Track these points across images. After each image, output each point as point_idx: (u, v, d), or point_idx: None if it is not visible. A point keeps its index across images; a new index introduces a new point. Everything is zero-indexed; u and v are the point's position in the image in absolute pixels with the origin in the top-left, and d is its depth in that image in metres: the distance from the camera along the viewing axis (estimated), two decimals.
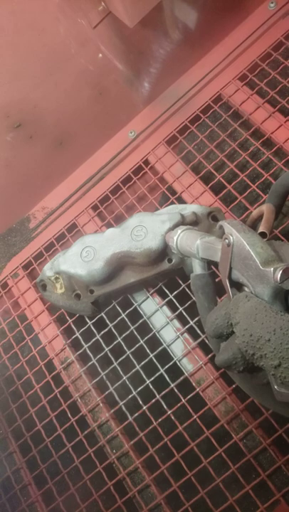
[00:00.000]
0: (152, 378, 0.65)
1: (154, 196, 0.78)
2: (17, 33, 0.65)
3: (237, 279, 0.39)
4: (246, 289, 0.38)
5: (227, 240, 0.39)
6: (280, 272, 0.34)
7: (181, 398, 0.63)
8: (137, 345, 0.68)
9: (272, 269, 0.34)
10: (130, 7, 0.64)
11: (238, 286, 0.40)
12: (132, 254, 0.63)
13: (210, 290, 0.49)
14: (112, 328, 0.70)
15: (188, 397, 0.63)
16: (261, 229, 0.58)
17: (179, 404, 0.63)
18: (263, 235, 0.59)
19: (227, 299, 0.40)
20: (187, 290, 0.68)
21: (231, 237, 0.38)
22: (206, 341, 0.64)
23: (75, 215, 0.84)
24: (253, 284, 0.36)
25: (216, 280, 0.50)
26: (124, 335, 0.69)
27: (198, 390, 0.63)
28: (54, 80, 0.73)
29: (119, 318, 0.71)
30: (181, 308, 0.67)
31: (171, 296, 0.69)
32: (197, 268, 0.50)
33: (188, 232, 0.52)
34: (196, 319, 0.66)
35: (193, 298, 0.66)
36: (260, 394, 0.45)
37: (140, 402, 0.65)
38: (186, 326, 0.67)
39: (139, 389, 0.66)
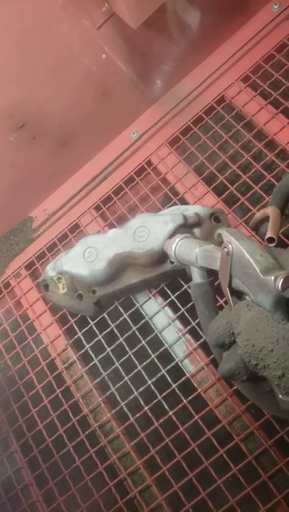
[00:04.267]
0: (154, 379, 0.65)
1: (156, 197, 0.78)
2: (23, 33, 0.65)
3: (238, 287, 0.38)
4: (247, 297, 0.37)
5: (226, 249, 0.38)
6: (281, 280, 0.33)
7: (183, 399, 0.63)
8: (139, 346, 0.68)
9: (272, 277, 0.33)
10: (134, 8, 0.64)
11: (238, 294, 0.39)
12: (134, 255, 0.63)
13: (210, 298, 0.48)
14: (114, 328, 0.70)
15: (190, 398, 0.63)
16: (269, 234, 0.58)
17: (180, 405, 0.63)
18: (271, 240, 0.59)
19: (228, 308, 0.40)
20: (189, 291, 0.68)
21: (230, 246, 0.37)
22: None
23: (78, 216, 0.84)
24: (254, 292, 0.36)
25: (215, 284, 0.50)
26: (126, 335, 0.69)
27: (199, 390, 0.63)
28: (58, 81, 0.73)
29: (121, 319, 0.71)
30: (183, 309, 0.67)
31: (173, 297, 0.69)
32: (196, 277, 0.48)
33: (186, 241, 0.51)
34: (197, 320, 0.66)
35: None
36: (264, 401, 0.44)
37: (142, 403, 0.65)
38: (188, 327, 0.67)
39: (140, 389, 0.66)
